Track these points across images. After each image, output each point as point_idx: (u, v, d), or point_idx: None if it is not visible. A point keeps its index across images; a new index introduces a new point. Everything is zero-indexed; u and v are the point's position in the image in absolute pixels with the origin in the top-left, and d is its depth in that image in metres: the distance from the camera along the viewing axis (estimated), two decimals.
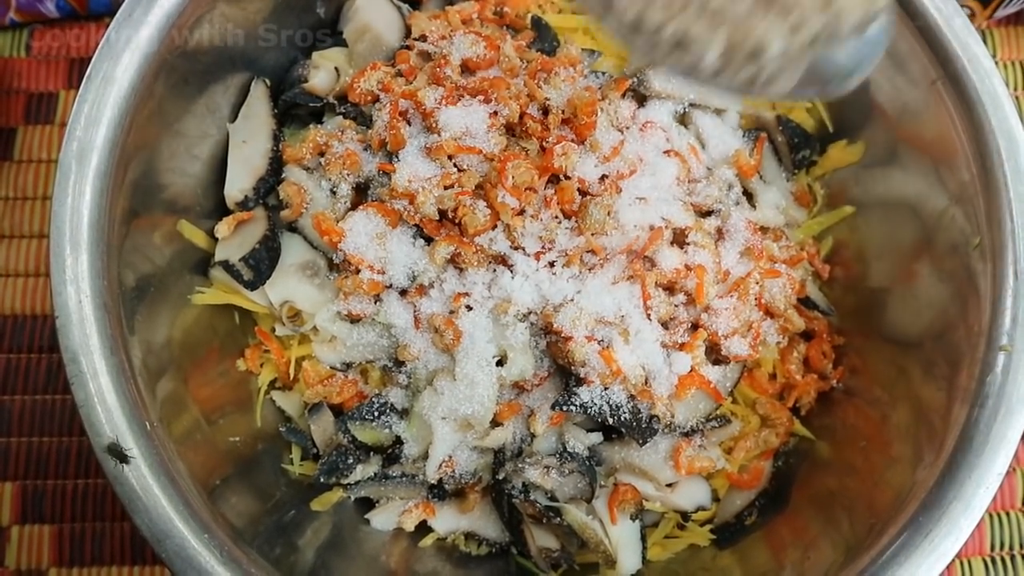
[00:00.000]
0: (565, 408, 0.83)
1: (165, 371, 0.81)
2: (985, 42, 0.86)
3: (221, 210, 0.93)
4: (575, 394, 0.83)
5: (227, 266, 0.88)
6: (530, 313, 0.84)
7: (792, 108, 1.02)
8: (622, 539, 0.87)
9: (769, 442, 0.93)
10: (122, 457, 0.71)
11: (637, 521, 0.89)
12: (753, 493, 0.93)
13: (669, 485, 0.90)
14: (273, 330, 0.93)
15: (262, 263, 0.89)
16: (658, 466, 0.89)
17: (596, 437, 0.89)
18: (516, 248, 0.83)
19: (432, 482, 0.88)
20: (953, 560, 0.74)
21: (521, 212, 0.83)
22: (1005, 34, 1.19)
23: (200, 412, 0.84)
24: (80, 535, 1.02)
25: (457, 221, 0.83)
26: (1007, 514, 1.05)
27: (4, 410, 1.05)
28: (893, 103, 0.91)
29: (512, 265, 0.83)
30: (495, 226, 0.83)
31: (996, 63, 0.87)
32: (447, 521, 0.91)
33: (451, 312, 0.84)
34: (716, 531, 0.94)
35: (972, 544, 1.04)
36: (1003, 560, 1.04)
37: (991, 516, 1.05)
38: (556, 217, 0.84)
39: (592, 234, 0.84)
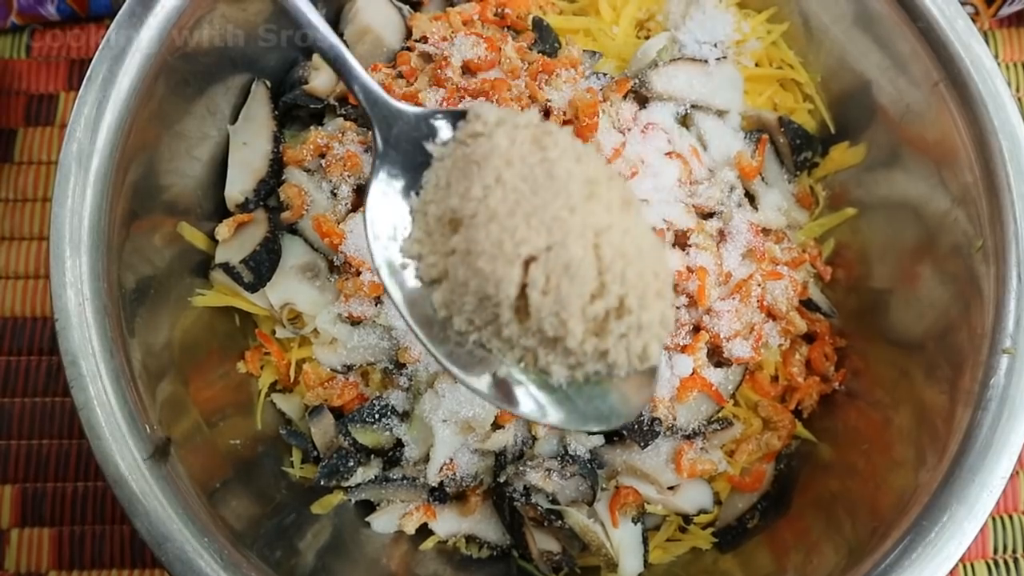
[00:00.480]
0: None
1: (165, 374, 0.81)
2: (987, 43, 0.86)
3: (221, 212, 0.93)
4: None
5: (227, 268, 0.88)
6: None
7: (794, 109, 1.02)
8: (624, 542, 0.87)
9: (771, 444, 0.93)
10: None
11: (639, 524, 0.88)
12: (755, 496, 0.93)
13: (671, 488, 0.90)
14: (273, 332, 0.93)
15: (262, 265, 0.89)
16: (660, 469, 0.88)
17: (597, 440, 0.89)
18: None
19: (433, 485, 0.88)
20: (956, 563, 0.74)
21: None
22: (1007, 35, 1.19)
23: (200, 415, 0.84)
24: (80, 538, 1.02)
25: None
26: (1010, 517, 1.05)
27: (4, 412, 1.05)
28: (895, 105, 0.91)
29: None
30: None
31: (998, 64, 0.87)
32: (448, 524, 0.91)
33: None
34: (718, 534, 0.94)
35: (975, 547, 1.04)
36: (1006, 563, 1.04)
37: (994, 519, 1.05)
38: None
39: None
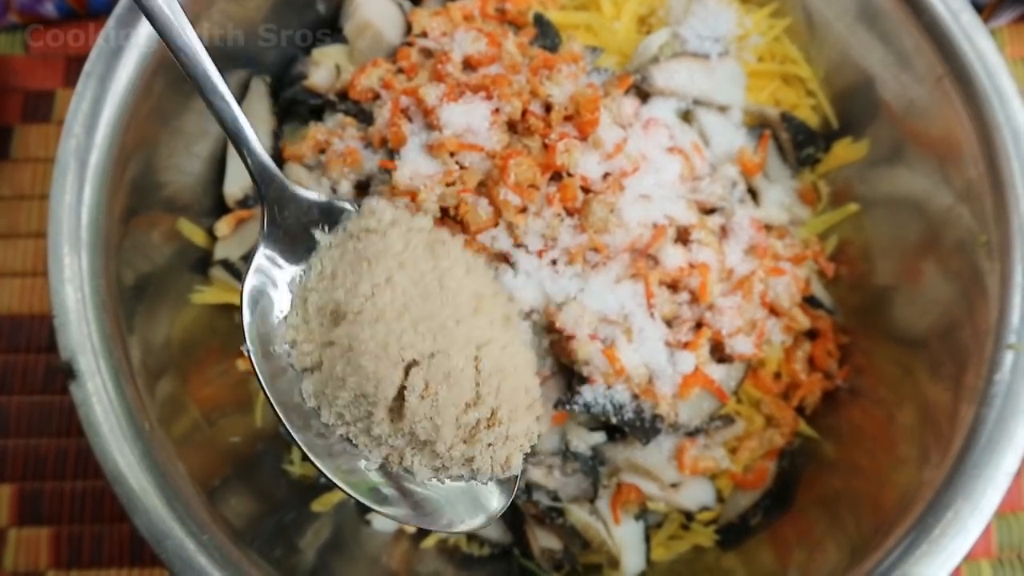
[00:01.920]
0: (568, 407, 0.83)
1: (164, 371, 0.81)
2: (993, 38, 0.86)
3: (220, 208, 0.93)
4: (578, 393, 0.83)
5: (227, 265, 0.88)
6: (532, 311, 0.84)
7: (797, 105, 1.02)
8: (625, 539, 0.87)
9: (774, 442, 0.93)
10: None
11: (641, 521, 0.89)
12: (758, 493, 0.93)
13: (673, 485, 0.90)
14: None
15: None
16: (662, 466, 0.89)
17: (599, 437, 0.89)
18: (519, 246, 0.83)
19: None
20: (961, 562, 0.74)
21: (524, 210, 0.83)
22: (1012, 31, 1.18)
23: (200, 412, 0.84)
24: (78, 537, 1.02)
25: (459, 219, 0.83)
26: (1015, 516, 1.05)
27: (1, 411, 1.05)
28: (899, 100, 0.91)
29: (515, 263, 0.83)
30: (497, 224, 0.83)
31: (1003, 56, 0.86)
32: None
33: None
34: (720, 532, 0.94)
35: (979, 546, 1.04)
36: (1010, 562, 1.04)
37: (998, 518, 1.05)
38: (559, 215, 0.84)
39: (595, 232, 0.84)
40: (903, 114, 0.91)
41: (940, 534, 0.74)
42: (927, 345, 0.87)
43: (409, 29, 0.97)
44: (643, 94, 0.95)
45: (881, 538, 0.77)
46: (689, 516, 0.94)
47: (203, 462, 0.80)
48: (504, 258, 0.84)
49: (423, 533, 0.92)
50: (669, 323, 0.87)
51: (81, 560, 1.01)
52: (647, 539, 0.90)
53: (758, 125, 0.99)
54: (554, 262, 0.83)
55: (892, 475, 0.84)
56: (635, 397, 0.84)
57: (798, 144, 0.99)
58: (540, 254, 0.83)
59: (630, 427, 0.83)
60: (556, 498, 0.86)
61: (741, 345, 0.88)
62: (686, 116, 0.96)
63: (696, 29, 0.97)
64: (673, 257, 0.86)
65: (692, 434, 0.90)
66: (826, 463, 0.94)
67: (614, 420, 0.83)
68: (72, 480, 1.03)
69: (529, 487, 0.86)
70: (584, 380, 0.83)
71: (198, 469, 0.78)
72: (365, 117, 0.93)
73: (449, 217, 0.84)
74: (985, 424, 0.76)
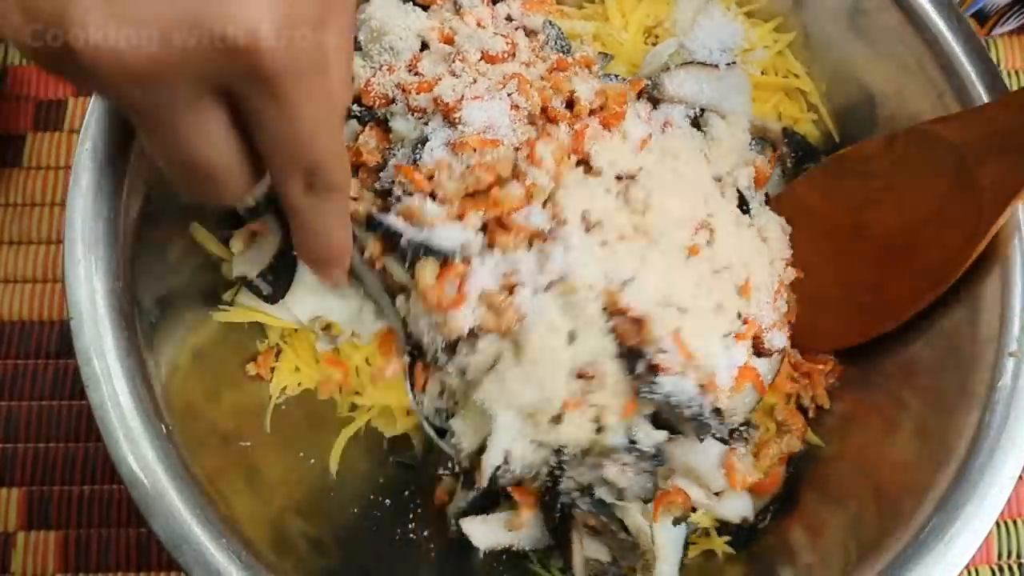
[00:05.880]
0: (648, 395, 0.75)
1: (179, 373, 0.79)
2: (988, 51, 0.86)
3: (235, 215, 0.92)
4: (655, 383, 0.75)
5: (246, 283, 0.86)
6: (590, 288, 0.75)
7: (799, 119, 1.01)
8: (665, 546, 0.83)
9: (791, 446, 0.90)
10: None
11: (682, 527, 0.84)
12: (767, 497, 0.92)
13: (716, 494, 0.87)
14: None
15: (280, 278, 0.86)
16: (712, 473, 0.85)
17: (661, 435, 0.81)
18: (561, 223, 0.76)
19: (484, 485, 0.79)
20: (964, 566, 0.73)
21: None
22: (1009, 43, 1.18)
23: (213, 416, 0.82)
24: (86, 541, 0.99)
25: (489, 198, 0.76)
26: (1014, 522, 1.05)
27: (11, 416, 1.02)
28: (900, 115, 0.90)
29: (563, 239, 0.75)
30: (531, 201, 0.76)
31: (1000, 72, 0.87)
32: (489, 535, 0.85)
33: (509, 290, 0.75)
34: (730, 535, 0.92)
35: (979, 552, 1.03)
36: (1011, 568, 1.03)
37: (998, 524, 1.03)
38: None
39: (637, 214, 0.79)
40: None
41: (945, 538, 0.71)
42: (929, 350, 0.86)
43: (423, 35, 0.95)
44: (653, 101, 0.93)
45: (887, 540, 0.75)
46: (722, 526, 0.90)
47: (216, 466, 0.79)
48: (541, 236, 0.77)
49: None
50: (720, 313, 0.81)
51: (89, 564, 0.98)
52: (686, 546, 0.85)
53: (759, 138, 0.99)
54: (605, 243, 0.77)
55: (896, 478, 0.83)
56: (702, 388, 0.78)
57: (798, 159, 0.97)
58: (588, 231, 0.77)
59: (697, 422, 0.77)
60: (621, 497, 0.79)
61: (778, 339, 0.85)
62: (695, 123, 0.94)
63: (702, 41, 0.95)
64: (718, 249, 0.82)
65: (732, 433, 0.85)
66: (831, 467, 0.92)
67: (687, 413, 0.76)
68: (80, 484, 1.01)
69: (588, 486, 0.79)
70: (653, 368, 0.75)
71: (212, 472, 0.76)
72: (380, 123, 0.91)
73: (479, 192, 0.77)
74: (988, 430, 0.75)
